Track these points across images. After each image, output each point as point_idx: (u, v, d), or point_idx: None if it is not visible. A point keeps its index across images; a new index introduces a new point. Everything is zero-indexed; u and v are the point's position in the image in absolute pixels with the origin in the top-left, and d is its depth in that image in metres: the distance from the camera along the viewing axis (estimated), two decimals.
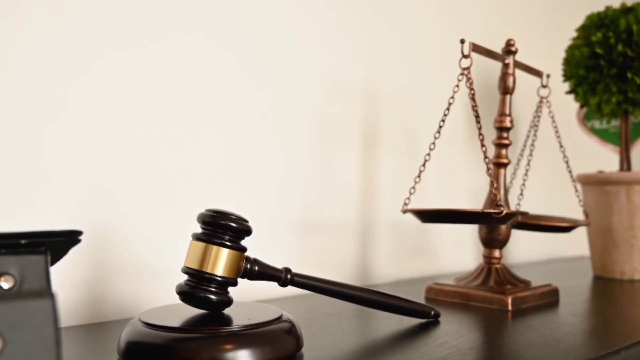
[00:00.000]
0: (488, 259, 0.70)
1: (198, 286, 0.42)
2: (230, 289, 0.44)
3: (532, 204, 1.04)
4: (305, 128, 0.75)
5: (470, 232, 1.00)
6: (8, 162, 0.51)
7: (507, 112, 0.70)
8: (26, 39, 0.52)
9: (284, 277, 0.46)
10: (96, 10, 0.56)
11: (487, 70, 0.96)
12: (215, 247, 0.42)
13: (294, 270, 0.48)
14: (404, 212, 0.65)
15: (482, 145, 0.62)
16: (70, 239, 0.31)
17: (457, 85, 0.65)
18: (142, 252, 0.60)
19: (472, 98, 0.63)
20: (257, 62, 0.70)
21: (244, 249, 0.44)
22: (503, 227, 0.69)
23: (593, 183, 0.91)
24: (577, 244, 1.22)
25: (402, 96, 0.88)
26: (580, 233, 1.17)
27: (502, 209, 0.59)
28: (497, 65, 0.73)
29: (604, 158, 1.21)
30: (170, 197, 0.62)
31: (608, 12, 0.88)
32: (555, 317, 0.59)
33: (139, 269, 0.59)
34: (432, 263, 0.93)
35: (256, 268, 0.45)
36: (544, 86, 0.80)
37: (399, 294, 0.54)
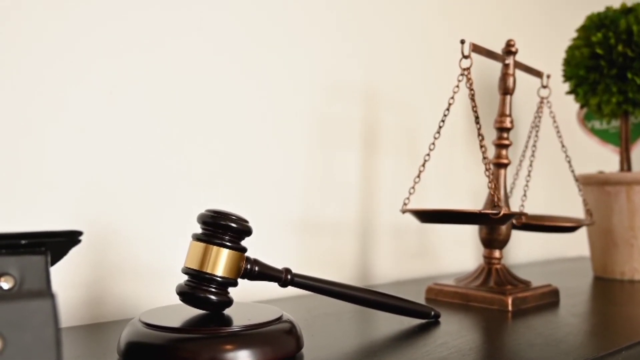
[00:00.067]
0: (488, 259, 0.70)
1: (198, 286, 0.42)
2: (231, 290, 0.44)
3: (532, 204, 1.04)
4: (305, 128, 0.75)
5: (470, 233, 1.00)
6: (8, 162, 0.51)
7: (508, 112, 0.70)
8: (26, 39, 0.52)
9: (284, 277, 0.46)
10: (96, 10, 0.56)
11: (487, 71, 0.96)
12: (215, 248, 0.42)
13: (294, 270, 0.48)
14: (403, 212, 0.65)
15: (481, 146, 0.62)
16: (70, 239, 0.31)
17: (457, 86, 0.65)
18: (142, 252, 0.60)
19: (472, 98, 0.63)
20: (257, 62, 0.70)
21: (244, 250, 0.44)
22: (503, 228, 0.69)
23: (593, 183, 0.91)
24: (577, 244, 1.22)
25: (402, 96, 0.88)
26: (581, 233, 1.17)
27: (500, 209, 0.59)
28: (497, 66, 0.73)
29: (604, 158, 1.21)
30: (170, 198, 0.62)
31: (608, 12, 0.88)
32: (556, 318, 0.59)
33: (139, 270, 0.59)
34: (432, 263, 0.93)
35: (256, 268, 0.45)
36: (544, 87, 0.80)
37: (399, 295, 0.54)
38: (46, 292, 0.26)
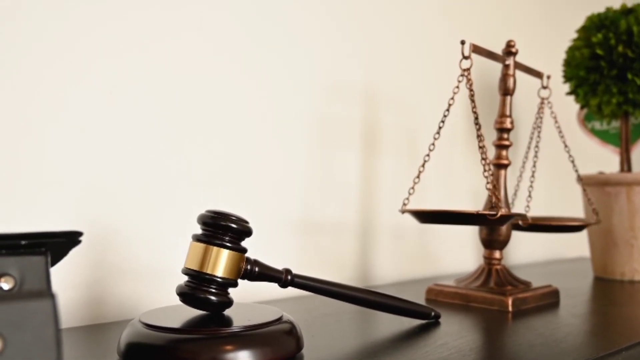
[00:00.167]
0: (488, 260, 0.70)
1: (198, 287, 0.42)
2: (231, 290, 0.44)
3: (532, 205, 1.04)
4: (305, 128, 0.75)
5: (470, 233, 1.00)
6: (8, 162, 0.51)
7: (508, 113, 0.70)
8: (26, 39, 0.52)
9: (284, 278, 0.46)
10: (96, 10, 0.56)
11: (488, 71, 0.96)
12: (215, 248, 0.42)
13: (294, 271, 0.48)
14: (403, 212, 0.65)
15: (480, 147, 0.62)
16: (70, 239, 0.31)
17: (457, 86, 0.65)
18: (142, 253, 0.60)
19: (472, 99, 0.63)
20: (257, 62, 0.70)
21: (244, 250, 0.44)
22: (503, 228, 0.69)
23: (593, 184, 0.91)
24: (577, 245, 1.22)
25: (402, 97, 0.88)
26: (581, 234, 1.17)
27: (498, 210, 0.59)
28: (498, 66, 0.73)
29: (604, 159, 1.21)
30: (170, 198, 0.62)
31: (608, 13, 0.88)
32: (556, 318, 0.59)
33: (139, 270, 0.59)
34: (432, 264, 0.93)
35: (256, 269, 0.45)
36: (544, 87, 0.80)
37: (399, 295, 0.54)
38: (46, 293, 0.26)
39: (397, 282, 0.85)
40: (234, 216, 0.43)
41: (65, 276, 0.54)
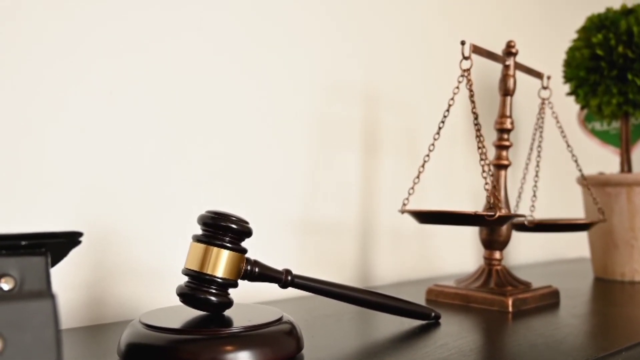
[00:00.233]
0: (488, 260, 0.70)
1: (198, 288, 0.42)
2: (231, 291, 0.44)
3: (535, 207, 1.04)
4: (305, 128, 0.75)
5: (470, 234, 1.00)
6: (8, 162, 0.51)
7: (508, 113, 0.70)
8: (26, 39, 0.52)
9: (284, 278, 0.46)
10: (96, 10, 0.56)
11: (488, 72, 0.96)
12: (215, 249, 0.42)
13: (294, 271, 0.48)
14: (402, 212, 0.65)
15: (479, 147, 0.62)
16: (70, 240, 0.31)
17: (457, 87, 0.65)
18: (143, 253, 0.60)
19: (472, 99, 0.63)
20: (257, 63, 0.70)
21: (244, 251, 0.44)
22: (503, 229, 0.69)
23: (594, 184, 0.91)
24: (577, 245, 1.22)
25: (402, 97, 0.88)
26: (581, 234, 1.17)
27: (495, 211, 0.59)
28: (498, 67, 0.73)
29: (604, 160, 1.21)
30: (170, 198, 0.62)
31: (608, 13, 0.88)
32: (556, 319, 0.58)
33: (139, 271, 0.59)
34: (432, 264, 0.93)
35: (256, 269, 0.45)
36: (544, 88, 0.80)
37: (399, 296, 0.54)
38: (46, 293, 0.26)
39: (397, 282, 0.85)
40: (234, 217, 0.43)
41: (66, 277, 0.54)
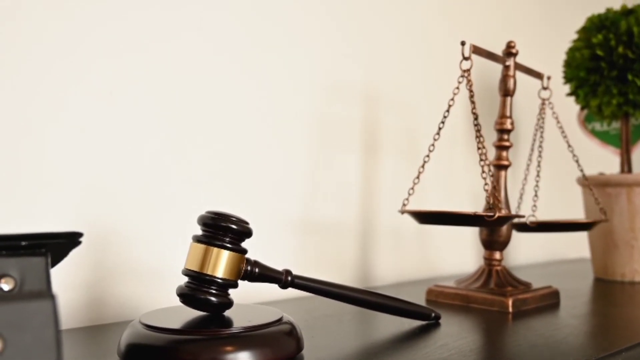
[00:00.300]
0: (489, 260, 0.70)
1: (199, 288, 0.42)
2: (231, 291, 0.44)
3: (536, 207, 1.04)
4: (305, 128, 0.75)
5: (470, 234, 1.00)
6: (8, 162, 0.51)
7: (508, 114, 0.70)
8: (26, 39, 0.52)
9: (284, 279, 0.46)
10: (96, 10, 0.56)
11: (488, 72, 0.96)
12: (215, 249, 0.42)
13: (294, 272, 0.48)
14: (402, 212, 0.65)
15: (479, 148, 0.62)
16: (70, 240, 0.31)
17: (457, 87, 0.65)
18: (143, 253, 0.60)
19: (472, 100, 0.63)
20: (257, 62, 0.70)
21: (244, 251, 0.44)
22: (503, 229, 0.69)
23: (594, 185, 0.91)
24: (577, 246, 1.22)
25: (402, 97, 0.88)
26: (581, 235, 1.17)
27: (495, 212, 0.59)
28: (498, 67, 0.73)
29: (604, 160, 1.21)
30: (170, 198, 0.62)
31: (609, 14, 0.88)
32: (556, 319, 0.58)
33: (139, 271, 0.59)
34: (432, 265, 0.93)
35: (257, 270, 0.45)
36: (544, 88, 0.80)
37: (399, 296, 0.54)
38: (46, 293, 0.26)
39: (397, 283, 0.85)
40: (234, 217, 0.43)
41: (66, 277, 0.54)
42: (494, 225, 0.62)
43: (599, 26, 0.88)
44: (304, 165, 0.75)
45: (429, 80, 0.92)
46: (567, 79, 0.94)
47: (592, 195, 0.92)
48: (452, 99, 0.65)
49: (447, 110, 0.66)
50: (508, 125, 0.69)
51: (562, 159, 1.12)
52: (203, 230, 0.43)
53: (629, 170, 0.93)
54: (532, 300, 0.65)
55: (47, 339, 0.26)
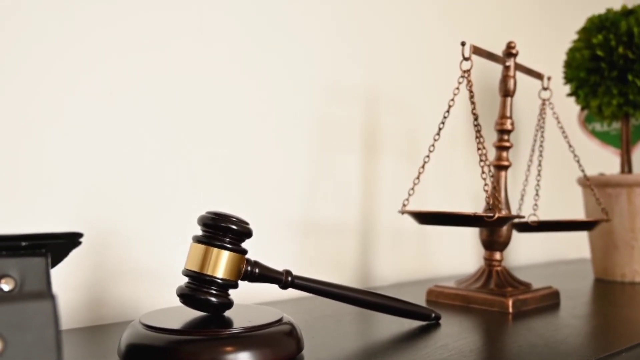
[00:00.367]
0: (489, 261, 0.70)
1: (199, 288, 0.42)
2: (231, 292, 0.44)
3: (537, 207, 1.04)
4: (305, 129, 0.75)
5: (471, 235, 1.00)
6: (8, 163, 0.51)
7: (508, 114, 0.70)
8: (26, 39, 0.52)
9: (284, 279, 0.46)
10: (96, 11, 0.57)
11: (488, 73, 0.96)
12: (215, 250, 0.42)
13: (294, 272, 0.48)
14: (402, 213, 0.65)
15: (479, 148, 0.62)
16: (70, 241, 0.31)
17: (458, 88, 0.65)
18: (143, 254, 0.60)
19: (472, 100, 0.63)
20: (257, 64, 0.70)
21: (244, 252, 0.44)
22: (504, 230, 0.69)
23: (594, 185, 0.91)
24: (577, 246, 1.22)
25: (403, 97, 0.89)
26: (581, 235, 1.17)
27: (494, 212, 0.59)
28: (498, 68, 0.73)
29: (605, 160, 1.21)
30: (170, 199, 0.62)
31: (609, 14, 0.88)
32: (556, 320, 0.58)
33: (139, 272, 0.59)
34: (432, 265, 0.93)
35: (257, 270, 0.45)
36: (545, 89, 0.80)
37: (399, 297, 0.54)
38: (47, 294, 0.26)
39: (397, 283, 0.85)
40: (234, 217, 0.43)
41: (66, 277, 0.54)
42: (493, 226, 0.62)
43: (599, 26, 0.88)
44: (304, 165, 0.75)
45: (429, 81, 0.92)
46: (568, 79, 0.94)
47: (592, 196, 0.92)
48: (452, 100, 0.65)
49: (447, 111, 0.66)
50: (508, 126, 0.69)
51: (562, 159, 1.12)
52: (203, 231, 0.43)
53: (629, 171, 0.93)
54: (532, 301, 0.65)
55: (47, 339, 0.26)
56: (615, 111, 0.88)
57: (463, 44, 0.63)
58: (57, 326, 0.26)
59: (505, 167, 0.70)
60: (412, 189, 0.67)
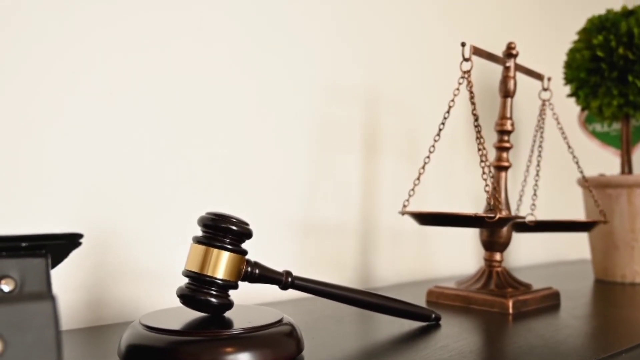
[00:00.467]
0: (489, 262, 0.70)
1: (199, 289, 0.42)
2: (231, 292, 0.44)
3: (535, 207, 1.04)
4: (305, 129, 0.75)
5: (471, 235, 1.00)
6: (8, 163, 0.51)
7: (508, 115, 0.70)
8: (26, 39, 0.52)
9: (284, 280, 0.46)
10: (96, 11, 0.57)
11: (488, 73, 0.96)
12: (216, 250, 0.42)
13: (295, 273, 0.48)
14: (403, 214, 0.65)
15: (479, 149, 0.62)
16: (70, 241, 0.31)
17: (458, 89, 0.65)
18: (143, 255, 0.60)
19: (472, 101, 0.63)
20: (257, 64, 0.70)
21: (244, 252, 0.44)
22: (504, 230, 0.69)
23: (594, 186, 0.91)
24: (578, 247, 1.22)
25: (403, 98, 0.89)
26: (582, 236, 1.17)
27: (495, 213, 0.59)
28: (498, 68, 0.73)
29: (605, 161, 1.21)
30: (170, 200, 0.62)
31: (609, 15, 0.88)
32: (556, 320, 0.58)
33: (139, 272, 0.59)
34: (433, 266, 0.93)
35: (257, 271, 0.45)
36: (545, 89, 0.80)
37: (399, 297, 0.54)
38: (47, 295, 0.26)
39: (398, 284, 0.85)
40: (235, 218, 0.43)
41: (66, 278, 0.54)
42: (494, 227, 0.62)
43: (599, 27, 0.88)
44: (304, 165, 0.75)
45: (429, 81, 0.92)
46: (568, 80, 0.94)
47: (592, 197, 0.92)
48: (453, 100, 0.65)
49: (448, 112, 0.66)
50: (508, 127, 0.69)
51: (563, 159, 1.12)
52: (203, 232, 0.43)
53: (630, 172, 0.93)
54: (532, 302, 0.65)
55: (47, 340, 0.26)
56: (616, 112, 0.88)
57: (463, 44, 0.63)
58: (57, 327, 0.26)
59: (506, 168, 0.70)
60: (413, 189, 0.67)
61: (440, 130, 0.66)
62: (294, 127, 0.74)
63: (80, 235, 0.31)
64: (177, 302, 0.44)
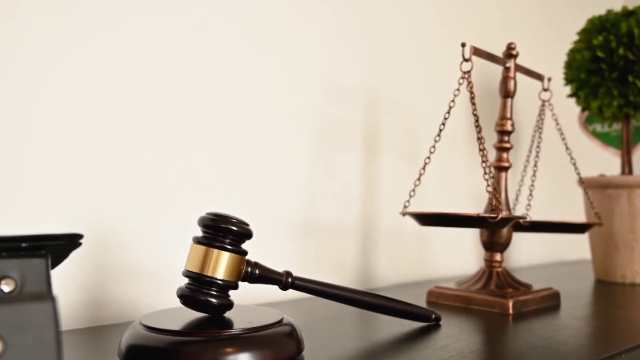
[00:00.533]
0: (489, 262, 0.70)
1: (199, 289, 0.42)
2: (231, 292, 0.44)
3: (533, 208, 1.04)
4: (305, 129, 0.75)
5: (471, 236, 1.00)
6: (8, 164, 0.51)
7: (508, 115, 0.70)
8: (26, 39, 0.52)
9: (284, 280, 0.46)
10: (96, 11, 0.56)
11: (488, 74, 0.96)
12: (216, 251, 0.42)
13: (295, 273, 0.48)
14: (403, 214, 0.65)
15: (480, 149, 0.62)
16: (71, 242, 0.31)
17: (458, 89, 0.65)
18: (143, 255, 0.60)
19: (473, 102, 0.63)
20: (257, 63, 0.70)
21: (244, 253, 0.44)
22: (504, 231, 0.69)
23: (594, 187, 0.91)
24: (578, 247, 1.22)
25: (403, 98, 0.89)
26: (582, 236, 1.17)
27: (498, 213, 0.59)
28: (498, 69, 0.73)
29: (605, 162, 1.21)
30: (170, 200, 0.62)
31: (609, 15, 0.88)
32: (556, 321, 0.58)
33: (139, 273, 0.59)
34: (433, 266, 0.93)
35: (257, 271, 0.45)
36: (545, 90, 0.80)
37: (400, 298, 0.54)
38: (47, 295, 0.26)
39: (398, 284, 0.85)
40: (235, 218, 0.43)
41: (66, 278, 0.54)
42: (496, 227, 0.62)
43: (599, 28, 0.88)
44: (304, 166, 0.75)
45: (429, 82, 0.92)
46: (568, 80, 0.94)
47: (592, 197, 0.92)
48: (453, 101, 0.65)
49: (448, 112, 0.66)
50: (508, 127, 0.69)
51: (563, 160, 1.12)
52: (203, 232, 0.43)
53: (630, 172, 0.93)
54: (532, 302, 0.65)
55: (47, 340, 0.26)
56: (616, 112, 0.88)
57: (463, 45, 0.63)
58: (57, 327, 0.26)
59: (506, 168, 0.70)
60: (413, 190, 0.67)
61: (440, 130, 0.66)
62: (294, 127, 0.74)
63: (80, 236, 0.31)
64: (177, 302, 0.44)
